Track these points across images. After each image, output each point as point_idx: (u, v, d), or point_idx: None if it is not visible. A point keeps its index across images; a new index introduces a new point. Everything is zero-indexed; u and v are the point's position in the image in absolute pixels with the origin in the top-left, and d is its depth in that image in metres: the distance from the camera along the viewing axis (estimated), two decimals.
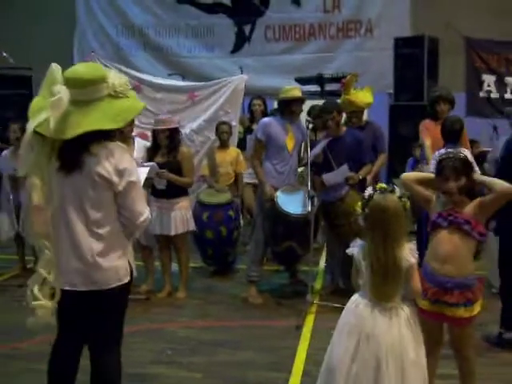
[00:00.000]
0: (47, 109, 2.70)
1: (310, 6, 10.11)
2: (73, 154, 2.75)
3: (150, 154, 5.55)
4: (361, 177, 5.26)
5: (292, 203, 5.16)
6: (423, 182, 3.32)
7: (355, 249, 3.06)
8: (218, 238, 6.16)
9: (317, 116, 5.73)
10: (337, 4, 9.99)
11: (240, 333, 4.84)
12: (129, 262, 2.92)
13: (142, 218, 2.85)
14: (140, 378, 3.98)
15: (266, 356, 4.37)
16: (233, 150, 6.66)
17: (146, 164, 5.37)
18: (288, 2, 10.15)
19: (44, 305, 2.76)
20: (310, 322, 4.99)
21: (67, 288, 2.80)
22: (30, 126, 2.74)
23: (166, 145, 5.49)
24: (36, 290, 2.76)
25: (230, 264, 6.45)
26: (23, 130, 6.31)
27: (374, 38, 9.86)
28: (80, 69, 2.82)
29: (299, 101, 5.43)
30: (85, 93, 2.73)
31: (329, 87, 8.74)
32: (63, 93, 2.71)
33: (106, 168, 2.73)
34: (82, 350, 3.01)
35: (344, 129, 5.46)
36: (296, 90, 5.45)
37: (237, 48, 10.40)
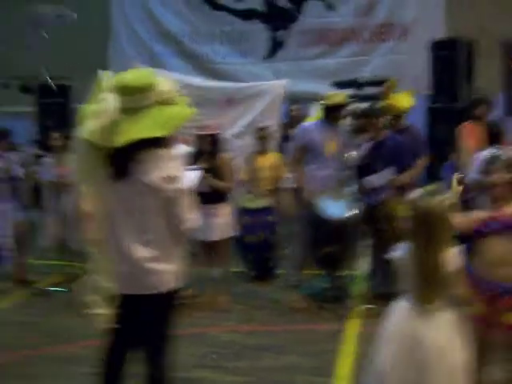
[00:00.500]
0: (96, 116, 2.76)
1: (344, 11, 10.09)
2: (122, 161, 2.79)
3: (193, 159, 5.60)
4: (402, 180, 5.25)
5: (333, 208, 5.16)
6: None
7: (398, 252, 3.05)
8: (258, 242, 6.20)
9: (358, 119, 5.73)
10: (371, 8, 9.96)
11: (284, 337, 4.87)
12: (178, 268, 2.95)
13: (189, 225, 2.89)
14: (185, 383, 4.02)
15: (311, 360, 4.39)
16: (272, 155, 6.68)
17: (190, 168, 5.44)
18: (322, 7, 10.14)
19: (103, 312, 2.82)
20: (352, 326, 4.99)
21: (119, 292, 2.87)
22: (81, 133, 2.80)
23: (208, 150, 5.55)
24: (94, 296, 2.82)
25: (271, 269, 6.47)
26: (64, 137, 6.55)
27: (409, 41, 9.79)
28: (128, 76, 2.84)
29: (343, 107, 5.45)
30: (133, 100, 2.76)
31: (366, 91, 8.74)
32: (111, 100, 2.75)
33: (155, 175, 2.76)
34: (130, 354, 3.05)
35: (385, 132, 5.45)
36: (341, 96, 5.48)
37: (270, 53, 10.42)
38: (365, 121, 5.34)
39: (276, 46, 10.39)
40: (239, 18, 10.49)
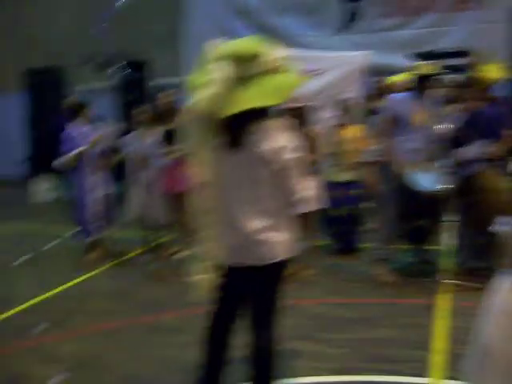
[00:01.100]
0: (208, 86, 2.73)
1: None
2: (233, 131, 2.77)
3: None
4: (498, 152, 5.09)
5: (425, 180, 5.06)
6: None
7: (502, 226, 2.94)
8: (342, 216, 6.17)
9: (452, 89, 5.58)
10: None
11: (373, 310, 4.85)
12: (289, 238, 2.93)
13: (299, 196, 2.85)
14: (280, 353, 4.06)
15: (404, 333, 4.34)
16: (356, 128, 6.58)
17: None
18: None
19: (206, 279, 2.84)
20: (442, 300, 4.91)
21: (227, 263, 2.87)
22: (192, 103, 2.79)
23: (298, 123, 5.51)
24: (198, 264, 2.85)
25: (354, 242, 6.43)
26: (148, 111, 6.64)
27: (487, 11, 9.44)
28: (238, 44, 2.79)
29: (433, 77, 5.30)
30: (244, 69, 2.72)
31: (450, 62, 8.49)
32: (222, 69, 2.71)
33: (267, 146, 2.73)
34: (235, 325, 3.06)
35: (480, 104, 5.28)
36: (431, 67, 5.33)
37: (345, 26, 10.25)
38: (459, 91, 5.18)
39: (351, 18, 10.21)
40: None
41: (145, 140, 6.64)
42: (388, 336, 4.32)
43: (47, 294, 5.52)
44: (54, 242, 7.41)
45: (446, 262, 5.84)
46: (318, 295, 5.24)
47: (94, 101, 7.40)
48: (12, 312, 5.08)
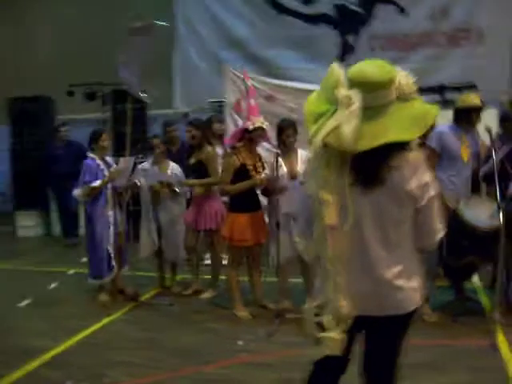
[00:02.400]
0: (333, 116, 2.46)
1: (416, 15, 9.86)
2: (371, 167, 2.45)
3: None
4: None
5: (477, 215, 4.89)
6: None
7: None
8: None
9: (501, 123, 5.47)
10: (445, 12, 9.72)
11: (431, 353, 4.56)
12: (421, 284, 2.64)
13: (439, 235, 2.60)
14: None
15: (477, 379, 4.10)
16: None
17: None
18: (394, 11, 9.92)
19: (335, 336, 2.46)
20: (501, 339, 4.71)
21: (356, 314, 2.49)
22: (316, 135, 2.50)
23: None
24: (326, 318, 2.51)
25: None
26: (162, 143, 6.33)
27: (485, 45, 9.56)
28: (368, 69, 2.45)
29: (478, 109, 5.18)
30: (374, 97, 2.42)
31: (449, 96, 8.53)
32: (356, 97, 2.44)
33: (411, 182, 2.45)
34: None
35: None
36: (475, 98, 5.21)
37: (340, 59, 10.18)
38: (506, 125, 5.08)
39: (346, 51, 10.17)
40: (308, 23, 10.28)
41: (164, 172, 6.32)
42: (462, 381, 4.06)
43: (70, 342, 5.04)
44: (57, 282, 6.91)
45: (488, 299, 5.67)
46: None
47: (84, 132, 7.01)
48: (36, 364, 4.56)
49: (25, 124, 10.14)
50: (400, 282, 2.53)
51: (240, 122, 7.22)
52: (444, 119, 6.77)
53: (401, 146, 2.47)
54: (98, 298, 6.13)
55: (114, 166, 6.09)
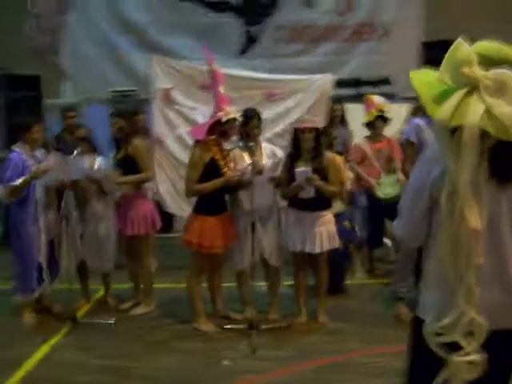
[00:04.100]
0: (466, 97, 2.07)
1: (322, 8, 9.73)
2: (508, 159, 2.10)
3: (291, 160, 4.90)
4: None
5: None
6: None
7: None
8: (333, 251, 5.55)
9: None
10: (350, 7, 9.70)
11: None
12: None
13: None
14: None
15: None
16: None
17: (300, 170, 4.75)
18: (299, 3, 9.70)
19: (476, 357, 2.06)
20: None
21: (490, 328, 2.07)
22: (469, 119, 2.06)
23: (310, 149, 4.87)
24: (459, 336, 2.09)
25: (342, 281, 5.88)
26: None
27: (389, 42, 9.67)
28: (504, 47, 2.07)
29: None
30: None
31: (364, 91, 8.49)
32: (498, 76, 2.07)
33: None
34: None
35: None
36: None
37: (244, 50, 9.77)
38: None
39: (250, 42, 9.76)
40: (210, 10, 9.71)
41: (92, 166, 5.44)
42: None
43: (15, 377, 4.10)
44: None
45: None
46: (357, 345, 4.59)
47: None
48: None
49: None
50: None
51: (171, 115, 6.48)
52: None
53: None
54: (25, 317, 5.15)
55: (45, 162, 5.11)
